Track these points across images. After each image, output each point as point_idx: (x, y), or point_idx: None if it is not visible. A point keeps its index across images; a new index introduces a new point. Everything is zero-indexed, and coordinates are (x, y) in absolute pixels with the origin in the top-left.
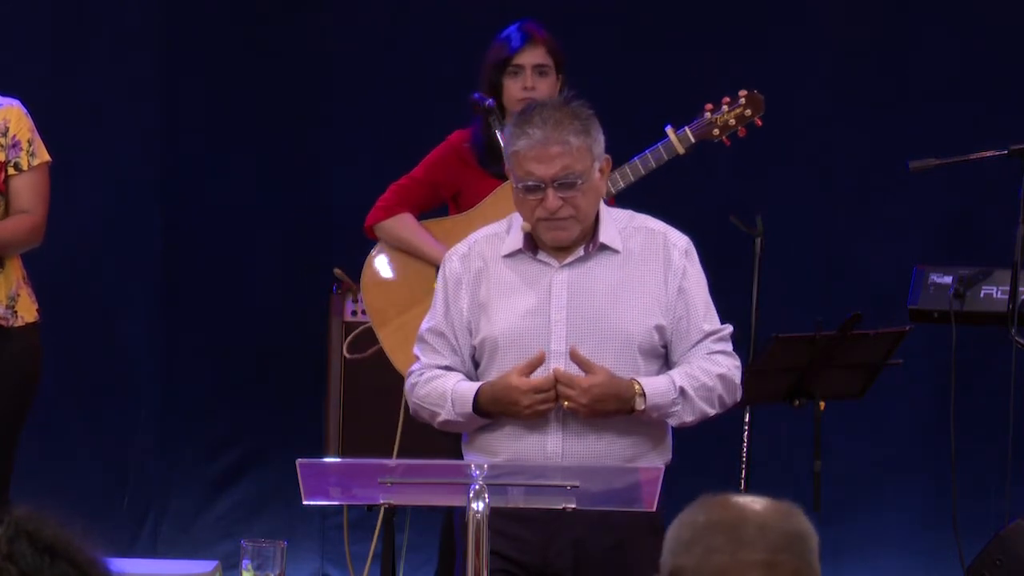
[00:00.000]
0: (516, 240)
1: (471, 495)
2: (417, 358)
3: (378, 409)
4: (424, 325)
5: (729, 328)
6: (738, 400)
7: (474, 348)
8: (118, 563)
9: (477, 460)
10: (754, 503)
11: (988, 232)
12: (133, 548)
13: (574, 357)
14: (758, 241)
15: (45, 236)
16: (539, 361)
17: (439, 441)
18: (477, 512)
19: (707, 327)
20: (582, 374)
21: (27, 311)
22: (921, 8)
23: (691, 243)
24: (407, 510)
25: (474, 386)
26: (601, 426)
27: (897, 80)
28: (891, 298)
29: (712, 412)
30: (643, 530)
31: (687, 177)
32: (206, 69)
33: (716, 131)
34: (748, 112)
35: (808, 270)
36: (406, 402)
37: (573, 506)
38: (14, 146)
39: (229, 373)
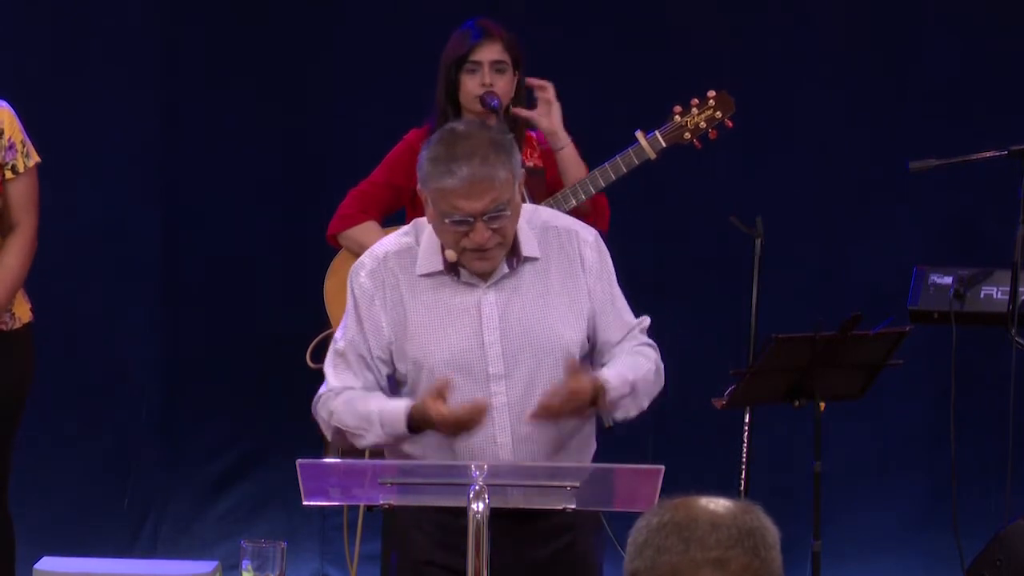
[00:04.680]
0: (434, 261)
1: (471, 495)
2: (327, 377)
3: None
4: (337, 343)
5: (647, 319)
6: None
7: (397, 370)
8: (118, 563)
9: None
10: (709, 503)
11: (988, 232)
12: (133, 548)
13: (533, 418)
14: (758, 241)
15: (45, 236)
16: (447, 387)
17: None
18: (477, 513)
19: (629, 319)
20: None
21: (22, 312)
22: (921, 8)
23: (599, 236)
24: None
25: (400, 407)
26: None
27: (897, 80)
28: (891, 298)
29: (646, 406)
30: (588, 529)
31: (687, 177)
32: (206, 69)
33: (687, 135)
34: (718, 114)
35: (808, 270)
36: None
37: (573, 506)
38: (10, 148)
39: (229, 373)
